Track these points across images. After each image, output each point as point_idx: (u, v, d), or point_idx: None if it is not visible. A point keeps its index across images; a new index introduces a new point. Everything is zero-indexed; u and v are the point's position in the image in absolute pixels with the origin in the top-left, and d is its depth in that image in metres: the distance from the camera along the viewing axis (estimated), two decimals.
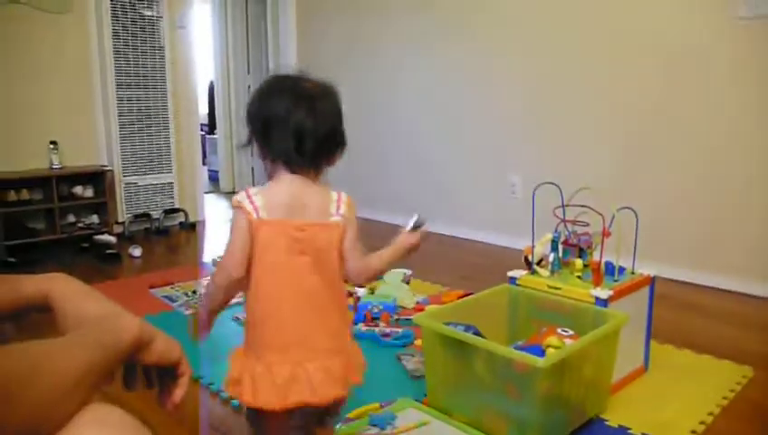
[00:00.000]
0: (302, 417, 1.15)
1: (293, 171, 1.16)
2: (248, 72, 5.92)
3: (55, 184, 3.62)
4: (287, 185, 1.16)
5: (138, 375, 0.77)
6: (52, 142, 3.76)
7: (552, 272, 1.93)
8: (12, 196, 3.56)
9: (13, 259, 3.38)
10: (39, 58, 3.74)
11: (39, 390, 0.57)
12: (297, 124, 1.12)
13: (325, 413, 1.22)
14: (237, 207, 1.14)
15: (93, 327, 0.73)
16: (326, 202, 1.17)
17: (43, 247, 3.62)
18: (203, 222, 4.50)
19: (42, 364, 0.59)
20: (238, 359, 1.18)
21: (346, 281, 1.23)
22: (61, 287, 0.79)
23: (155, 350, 0.74)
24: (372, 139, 4.48)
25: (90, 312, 0.77)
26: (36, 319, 0.82)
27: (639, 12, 3.03)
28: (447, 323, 1.67)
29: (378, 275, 1.30)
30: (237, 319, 2.32)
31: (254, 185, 1.51)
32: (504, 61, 3.63)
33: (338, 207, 1.17)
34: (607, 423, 1.67)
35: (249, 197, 1.13)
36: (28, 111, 3.72)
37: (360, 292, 2.53)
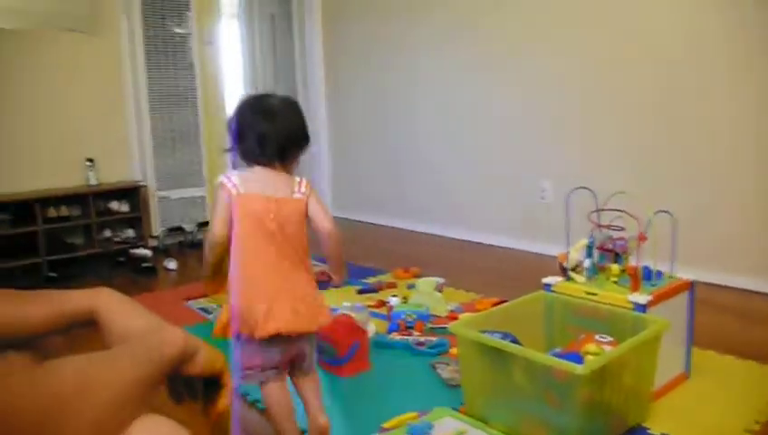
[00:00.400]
0: (279, 343, 1.44)
1: (262, 165, 1.47)
2: (276, 84, 5.98)
3: (92, 200, 3.72)
4: (258, 172, 1.47)
5: (182, 387, 0.78)
6: (89, 160, 3.86)
7: (588, 278, 1.90)
8: (52, 212, 3.66)
9: (54, 274, 3.48)
10: (74, 78, 3.84)
11: (89, 406, 0.58)
12: (259, 132, 1.45)
13: (298, 352, 1.46)
14: (220, 185, 1.44)
15: (139, 341, 0.74)
16: (290, 184, 1.48)
17: (82, 262, 3.70)
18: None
19: (91, 381, 0.60)
20: (227, 311, 1.46)
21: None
22: (106, 301, 0.81)
23: (199, 362, 0.75)
24: (395, 141, 4.49)
25: (135, 326, 0.78)
26: (82, 333, 0.83)
27: (671, 13, 2.98)
28: (483, 331, 1.66)
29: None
30: None
31: None
32: (532, 64, 3.60)
33: (300, 188, 1.48)
34: (649, 432, 1.63)
35: (229, 178, 1.44)
36: (65, 129, 3.83)
37: (394, 301, 2.53)
